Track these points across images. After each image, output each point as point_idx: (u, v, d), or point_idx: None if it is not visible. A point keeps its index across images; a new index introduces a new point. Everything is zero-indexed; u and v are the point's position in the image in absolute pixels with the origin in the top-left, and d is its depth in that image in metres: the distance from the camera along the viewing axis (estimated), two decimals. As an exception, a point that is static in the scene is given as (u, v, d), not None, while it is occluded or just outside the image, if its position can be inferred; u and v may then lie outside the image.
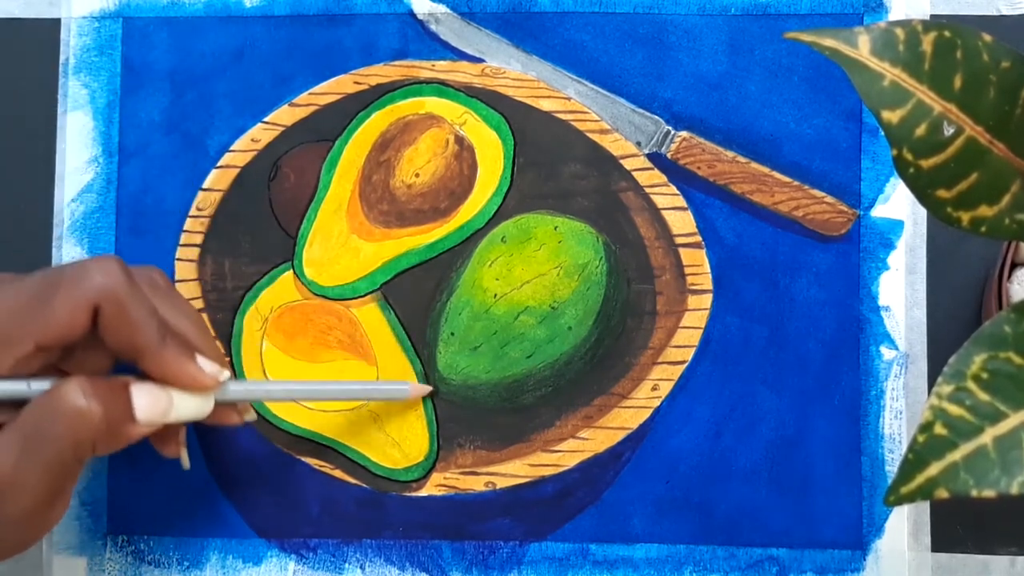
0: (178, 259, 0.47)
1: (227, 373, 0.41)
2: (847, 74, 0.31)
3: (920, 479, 0.29)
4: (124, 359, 0.40)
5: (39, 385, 0.38)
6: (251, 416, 0.43)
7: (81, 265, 0.38)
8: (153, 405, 0.39)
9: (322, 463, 0.46)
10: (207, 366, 0.40)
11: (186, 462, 0.43)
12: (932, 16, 0.46)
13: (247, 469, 0.46)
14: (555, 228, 0.47)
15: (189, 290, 0.47)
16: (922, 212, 0.46)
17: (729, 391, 0.46)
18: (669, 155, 0.47)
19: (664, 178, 0.47)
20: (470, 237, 0.47)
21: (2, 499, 0.37)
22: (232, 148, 0.47)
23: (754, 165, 0.46)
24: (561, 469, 0.46)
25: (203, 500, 0.46)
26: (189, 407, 0.40)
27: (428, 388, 0.46)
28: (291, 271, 0.47)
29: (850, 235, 0.46)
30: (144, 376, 0.39)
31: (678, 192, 0.46)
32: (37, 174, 0.48)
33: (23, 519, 0.38)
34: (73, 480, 0.38)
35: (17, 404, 0.38)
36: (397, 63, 0.48)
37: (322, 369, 0.46)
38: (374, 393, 0.46)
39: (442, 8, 0.48)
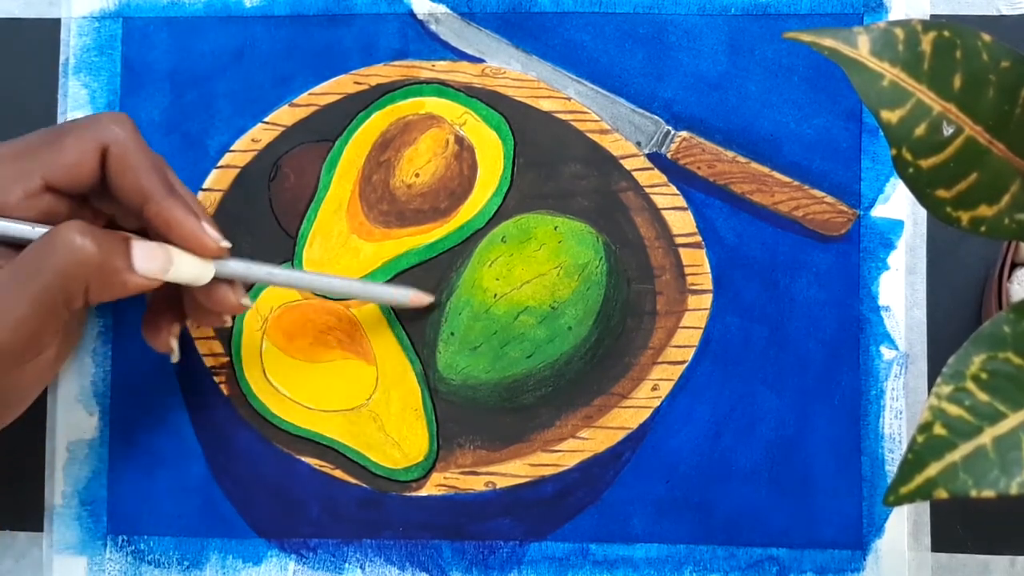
0: (178, 259, 0.47)
1: (229, 245, 0.41)
2: (846, 74, 0.31)
3: (919, 479, 0.29)
4: (131, 208, 0.40)
5: (43, 229, 0.39)
6: (247, 303, 0.42)
7: (92, 114, 0.41)
8: (152, 258, 0.39)
9: (322, 463, 0.46)
10: (210, 230, 0.40)
11: (176, 354, 0.43)
12: (932, 16, 0.46)
13: (247, 469, 0.46)
14: (555, 228, 0.47)
15: (189, 290, 0.47)
16: (922, 212, 0.46)
17: (729, 391, 0.46)
18: (669, 155, 0.47)
19: (664, 178, 0.47)
20: (470, 237, 0.47)
21: None
22: (232, 148, 0.47)
23: (754, 165, 0.46)
24: (561, 469, 0.46)
25: (203, 500, 0.46)
26: (189, 269, 0.40)
27: (430, 297, 0.46)
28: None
29: (850, 235, 0.46)
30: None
31: (678, 192, 0.46)
32: (37, 174, 0.48)
33: (2, 354, 0.38)
34: (57, 323, 0.38)
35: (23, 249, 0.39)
36: (397, 63, 0.48)
37: (322, 369, 0.46)
38: (375, 293, 0.45)
39: (442, 8, 0.48)
